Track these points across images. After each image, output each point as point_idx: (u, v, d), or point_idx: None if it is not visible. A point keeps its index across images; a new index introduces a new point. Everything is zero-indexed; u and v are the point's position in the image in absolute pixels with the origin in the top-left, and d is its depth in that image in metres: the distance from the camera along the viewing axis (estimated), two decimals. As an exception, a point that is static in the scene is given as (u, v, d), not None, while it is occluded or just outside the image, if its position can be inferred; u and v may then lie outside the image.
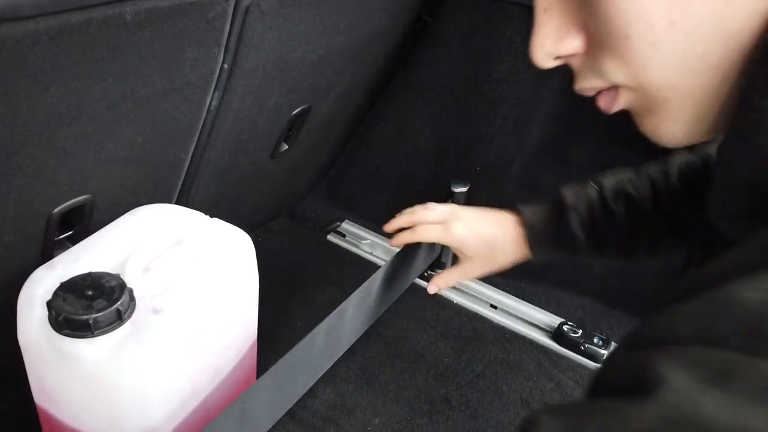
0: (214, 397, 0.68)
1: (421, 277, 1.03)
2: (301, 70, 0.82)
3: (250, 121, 0.83)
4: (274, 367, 0.65)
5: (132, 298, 0.57)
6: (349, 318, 0.81)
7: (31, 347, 0.58)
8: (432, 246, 0.98)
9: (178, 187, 0.78)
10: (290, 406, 0.75)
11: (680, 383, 0.22)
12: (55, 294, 0.55)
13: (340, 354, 0.83)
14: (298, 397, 0.76)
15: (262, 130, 0.89)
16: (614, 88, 0.33)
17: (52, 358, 0.56)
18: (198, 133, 0.74)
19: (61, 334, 0.54)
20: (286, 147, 0.99)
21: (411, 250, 0.89)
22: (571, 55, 0.33)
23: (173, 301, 0.59)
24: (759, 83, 0.28)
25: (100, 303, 0.55)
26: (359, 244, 1.18)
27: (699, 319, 0.24)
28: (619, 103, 0.34)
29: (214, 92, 0.71)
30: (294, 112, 0.92)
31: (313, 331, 0.71)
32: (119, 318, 0.56)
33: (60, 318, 0.54)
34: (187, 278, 0.62)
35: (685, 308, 0.25)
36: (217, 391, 0.68)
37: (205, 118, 0.74)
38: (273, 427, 0.71)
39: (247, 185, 0.98)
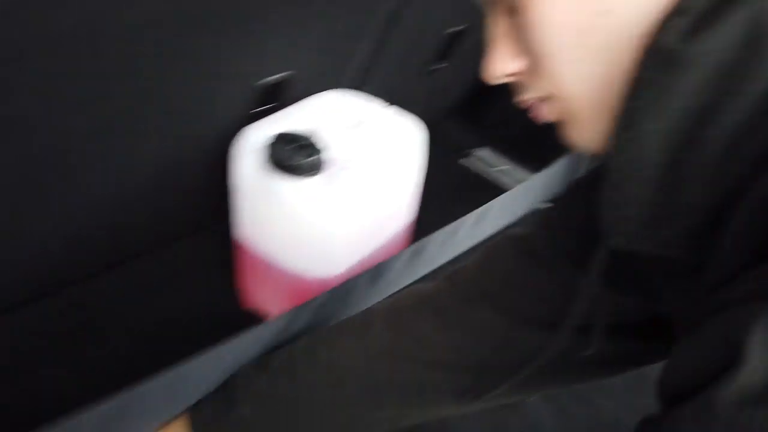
0: (373, 255, 0.79)
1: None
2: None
3: (426, 32, 0.91)
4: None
5: (325, 156, 0.69)
6: (462, 235, 0.89)
7: (245, 186, 0.71)
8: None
9: (358, 75, 0.89)
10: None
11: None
12: (271, 142, 0.68)
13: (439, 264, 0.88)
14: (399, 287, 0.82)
15: (428, 45, 0.98)
16: (542, 100, 0.40)
17: (262, 194, 0.69)
18: (386, 30, 0.84)
19: (273, 173, 0.67)
20: (444, 64, 1.07)
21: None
22: (514, 74, 0.41)
23: (358, 163, 0.70)
24: (639, 84, 0.33)
25: (305, 153, 0.67)
26: (491, 171, 1.25)
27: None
28: (550, 112, 0.41)
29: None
30: (452, 30, 0.99)
31: (427, 238, 0.79)
32: (318, 168, 0.67)
33: (273, 158, 0.66)
34: (370, 148, 0.72)
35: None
36: (378, 251, 0.80)
37: (388, 22, 0.83)
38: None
39: (404, 93, 1.07)
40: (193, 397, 0.61)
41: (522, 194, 0.97)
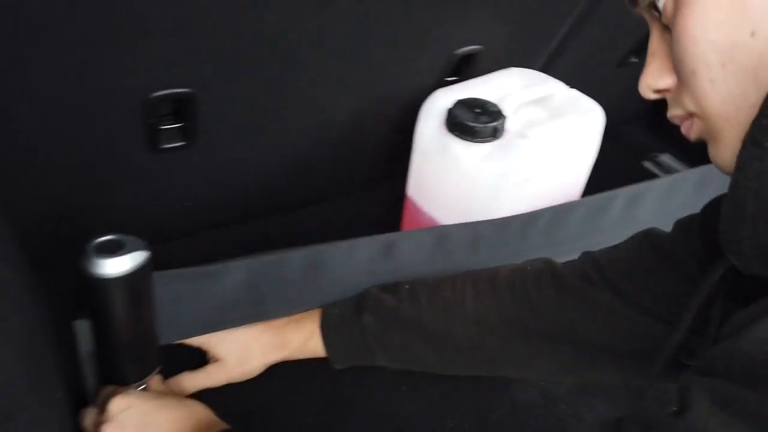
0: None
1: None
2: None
3: (624, 24, 0.90)
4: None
5: (504, 124, 0.72)
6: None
7: (424, 145, 0.77)
8: None
9: (545, 58, 0.91)
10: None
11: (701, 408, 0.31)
12: (455, 105, 0.73)
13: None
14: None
15: (623, 37, 0.96)
16: (690, 116, 0.42)
17: (439, 154, 0.75)
18: (583, 16, 0.85)
19: (452, 134, 0.72)
20: (636, 60, 1.05)
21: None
22: (666, 90, 0.43)
23: (535, 133, 0.72)
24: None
25: (483, 119, 0.71)
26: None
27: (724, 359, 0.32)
28: (695, 130, 0.43)
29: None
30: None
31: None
32: (494, 134, 0.71)
33: (454, 121, 0.71)
34: (548, 122, 0.75)
35: (719, 348, 0.33)
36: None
37: (587, 9, 0.84)
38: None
39: (592, 82, 1.06)
40: (327, 292, 0.69)
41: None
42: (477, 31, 0.80)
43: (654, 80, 0.43)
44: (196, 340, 0.67)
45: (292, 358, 0.70)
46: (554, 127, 0.75)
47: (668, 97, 0.44)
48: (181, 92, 0.66)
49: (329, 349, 0.69)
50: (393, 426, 0.70)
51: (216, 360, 0.68)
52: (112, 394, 0.59)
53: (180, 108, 0.69)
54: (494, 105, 0.73)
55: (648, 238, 0.62)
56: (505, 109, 0.73)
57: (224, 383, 0.69)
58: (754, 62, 0.36)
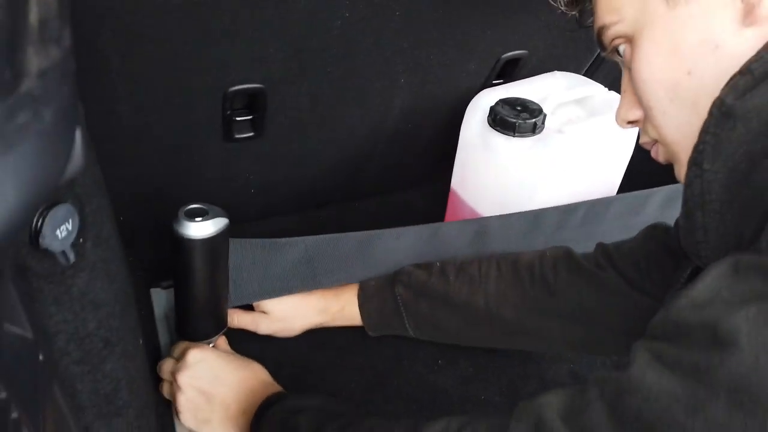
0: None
1: None
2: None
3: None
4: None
5: (544, 121, 0.78)
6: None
7: (468, 139, 0.84)
8: None
9: (588, 63, 0.95)
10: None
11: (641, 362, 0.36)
12: (497, 103, 0.79)
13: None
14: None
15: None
16: (655, 142, 0.49)
17: (481, 148, 0.81)
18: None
19: (494, 130, 0.78)
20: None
21: None
22: (636, 121, 0.50)
23: (573, 130, 0.78)
24: (704, 132, 0.40)
25: (524, 116, 0.77)
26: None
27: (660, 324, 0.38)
28: (660, 153, 0.49)
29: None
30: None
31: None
32: (533, 130, 0.77)
33: (496, 117, 0.78)
34: (587, 121, 0.80)
35: (658, 316, 0.38)
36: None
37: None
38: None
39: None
40: (373, 271, 0.76)
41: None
42: (522, 37, 0.86)
43: (625, 113, 0.50)
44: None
45: (330, 324, 0.78)
46: (592, 124, 0.80)
47: (639, 126, 0.51)
48: (253, 87, 0.75)
49: (364, 316, 0.76)
50: (429, 396, 0.77)
51: (262, 312, 0.76)
52: (189, 348, 0.69)
53: (252, 102, 0.78)
54: (535, 103, 0.78)
55: (654, 231, 0.68)
56: (546, 108, 0.79)
57: (265, 333, 0.77)
58: (693, 97, 0.42)
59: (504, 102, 0.79)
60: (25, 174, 0.16)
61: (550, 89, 0.84)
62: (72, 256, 0.45)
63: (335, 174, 0.97)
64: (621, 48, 0.48)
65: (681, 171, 0.46)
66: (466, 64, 0.85)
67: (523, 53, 0.88)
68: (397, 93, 0.85)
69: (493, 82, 0.91)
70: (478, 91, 0.86)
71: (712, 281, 0.35)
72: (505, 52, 0.86)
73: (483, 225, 0.78)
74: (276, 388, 0.67)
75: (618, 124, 0.52)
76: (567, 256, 0.71)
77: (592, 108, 0.82)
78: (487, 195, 0.84)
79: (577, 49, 0.93)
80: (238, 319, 0.76)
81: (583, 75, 0.93)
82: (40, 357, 0.43)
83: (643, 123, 0.49)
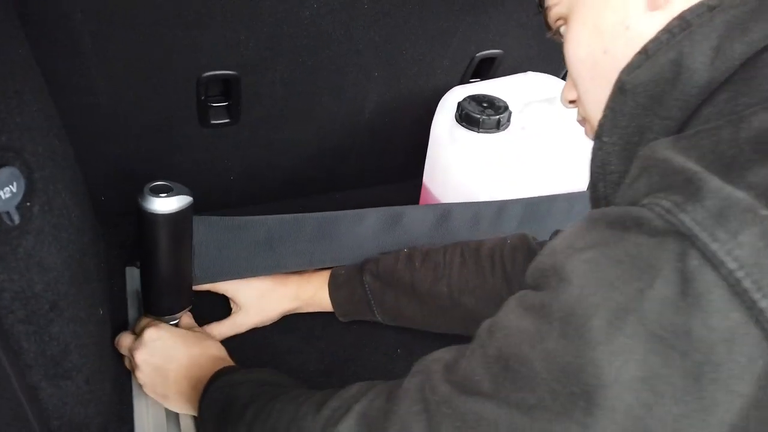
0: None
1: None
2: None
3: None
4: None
5: (509, 119, 0.79)
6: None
7: (437, 134, 0.86)
8: None
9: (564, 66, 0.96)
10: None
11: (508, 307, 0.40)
12: (464, 99, 0.81)
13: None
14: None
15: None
16: (584, 120, 0.52)
17: (448, 143, 0.83)
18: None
19: (460, 125, 0.80)
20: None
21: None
22: (574, 101, 0.52)
23: (537, 127, 0.79)
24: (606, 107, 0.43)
25: (489, 112, 0.78)
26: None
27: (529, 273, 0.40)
28: (587, 130, 0.51)
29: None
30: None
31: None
32: (497, 126, 0.78)
33: (462, 113, 0.79)
34: (554, 120, 0.81)
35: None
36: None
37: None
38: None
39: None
40: (335, 253, 0.78)
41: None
42: (497, 36, 0.87)
43: (566, 94, 0.54)
44: (221, 286, 0.78)
45: (302, 310, 0.80)
46: (558, 122, 0.81)
47: (576, 106, 0.54)
48: (227, 74, 0.77)
49: (334, 303, 0.78)
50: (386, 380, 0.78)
51: (238, 308, 0.79)
52: (148, 325, 0.71)
53: (226, 89, 0.81)
54: (501, 101, 0.80)
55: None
56: (514, 106, 0.80)
57: (248, 329, 0.79)
58: (607, 75, 0.44)
59: (471, 98, 0.80)
60: None
61: (521, 88, 0.85)
62: (17, 218, 0.47)
63: (314, 165, 0.99)
64: (562, 29, 0.50)
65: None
66: (440, 60, 0.87)
67: (498, 53, 0.89)
68: (372, 87, 0.87)
69: (470, 80, 0.93)
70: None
71: (569, 233, 0.37)
72: (479, 51, 0.88)
73: (446, 210, 0.80)
74: (226, 362, 0.69)
75: (561, 103, 0.55)
76: (524, 243, 0.72)
77: (561, 107, 0.83)
78: (454, 190, 0.85)
79: (553, 51, 0.94)
80: (218, 330, 0.78)
81: (561, 78, 0.94)
82: (-21, 310, 0.45)
83: (577, 102, 0.52)
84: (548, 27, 0.53)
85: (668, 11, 0.41)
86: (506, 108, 0.79)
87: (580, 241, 0.35)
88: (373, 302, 0.76)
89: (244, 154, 0.93)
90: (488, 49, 0.88)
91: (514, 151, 0.78)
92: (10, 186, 0.46)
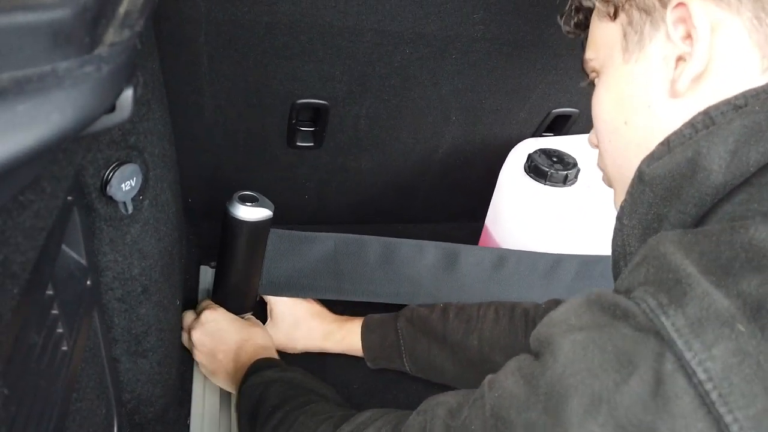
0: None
1: None
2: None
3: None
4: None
5: (577, 175, 0.83)
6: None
7: (504, 181, 0.90)
8: None
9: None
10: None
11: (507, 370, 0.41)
12: (535, 151, 0.85)
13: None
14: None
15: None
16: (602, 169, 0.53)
17: (515, 192, 0.86)
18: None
19: (528, 175, 0.84)
20: None
21: None
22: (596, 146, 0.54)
23: (601, 188, 0.82)
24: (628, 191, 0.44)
25: (557, 167, 0.82)
26: None
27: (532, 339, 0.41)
28: (604, 179, 0.54)
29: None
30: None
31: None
32: (564, 181, 0.82)
33: (531, 164, 0.83)
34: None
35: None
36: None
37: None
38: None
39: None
40: (394, 284, 0.82)
41: None
42: (573, 95, 0.91)
43: (591, 138, 0.56)
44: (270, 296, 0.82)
45: (330, 350, 0.82)
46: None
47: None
48: (318, 103, 0.84)
49: (365, 347, 0.80)
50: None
51: (271, 322, 0.82)
52: (207, 307, 0.78)
53: (315, 116, 0.88)
54: (571, 157, 0.83)
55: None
56: (583, 164, 0.84)
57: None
58: (625, 144, 0.47)
59: (542, 151, 0.84)
60: (83, 101, 0.24)
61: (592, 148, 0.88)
62: (131, 208, 0.54)
63: (383, 195, 1.05)
64: (596, 81, 0.53)
65: (615, 198, 0.52)
66: (517, 113, 0.92)
67: (574, 111, 0.93)
68: (449, 130, 0.93)
69: (543, 133, 0.96)
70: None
71: (568, 308, 0.39)
72: (555, 108, 0.92)
73: (503, 255, 0.83)
74: (269, 352, 0.74)
75: (588, 144, 0.58)
76: None
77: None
78: (514, 236, 0.89)
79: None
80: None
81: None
82: (88, 282, 0.52)
83: (598, 150, 0.54)
84: (585, 74, 0.55)
85: (692, 100, 0.42)
86: (575, 164, 0.82)
87: (575, 319, 0.37)
88: (403, 348, 0.78)
89: (321, 177, 1.00)
90: (564, 107, 0.92)
91: (577, 207, 0.81)
92: (131, 180, 0.53)
